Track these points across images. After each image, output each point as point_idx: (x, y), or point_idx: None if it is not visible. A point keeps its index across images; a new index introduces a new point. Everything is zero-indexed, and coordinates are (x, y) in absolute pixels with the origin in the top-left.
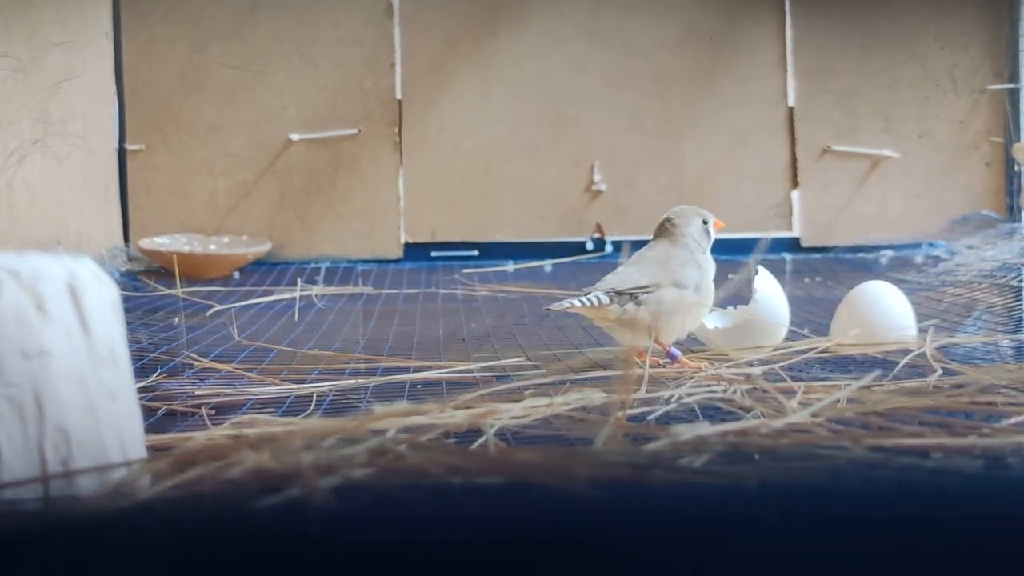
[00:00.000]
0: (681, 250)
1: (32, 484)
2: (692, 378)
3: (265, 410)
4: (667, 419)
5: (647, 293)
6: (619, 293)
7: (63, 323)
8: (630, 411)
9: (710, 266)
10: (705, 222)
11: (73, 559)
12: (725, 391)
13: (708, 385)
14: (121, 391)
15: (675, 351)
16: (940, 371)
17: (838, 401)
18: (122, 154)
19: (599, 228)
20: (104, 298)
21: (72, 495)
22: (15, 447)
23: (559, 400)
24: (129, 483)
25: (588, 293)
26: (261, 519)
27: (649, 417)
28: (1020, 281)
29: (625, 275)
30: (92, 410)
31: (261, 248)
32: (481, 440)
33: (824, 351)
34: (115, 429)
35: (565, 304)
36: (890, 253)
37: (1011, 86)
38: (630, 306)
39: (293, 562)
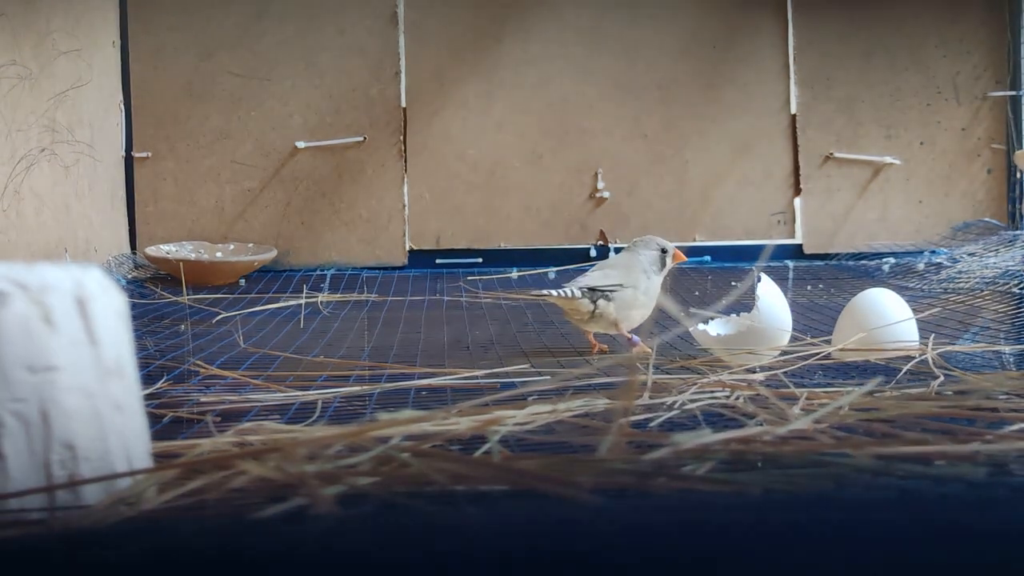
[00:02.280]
0: (635, 259)
1: (37, 495)
2: (695, 385)
3: (270, 417)
4: (670, 426)
5: (615, 291)
6: (592, 290)
7: (70, 336)
8: (633, 418)
9: (656, 280)
10: (664, 251)
11: (78, 570)
12: (728, 397)
13: (711, 391)
14: (128, 402)
15: (636, 338)
16: (942, 378)
17: (841, 408)
18: (129, 162)
19: (602, 235)
20: (111, 308)
21: (77, 506)
22: (21, 462)
23: (563, 407)
24: (134, 493)
25: (564, 288)
26: (266, 529)
27: (652, 424)
28: (1022, 288)
29: (597, 276)
30: (98, 423)
31: (267, 255)
32: (485, 447)
33: (826, 357)
34: (121, 441)
35: (544, 292)
36: (892, 260)
37: (1013, 93)
38: (601, 301)
39: (298, 572)
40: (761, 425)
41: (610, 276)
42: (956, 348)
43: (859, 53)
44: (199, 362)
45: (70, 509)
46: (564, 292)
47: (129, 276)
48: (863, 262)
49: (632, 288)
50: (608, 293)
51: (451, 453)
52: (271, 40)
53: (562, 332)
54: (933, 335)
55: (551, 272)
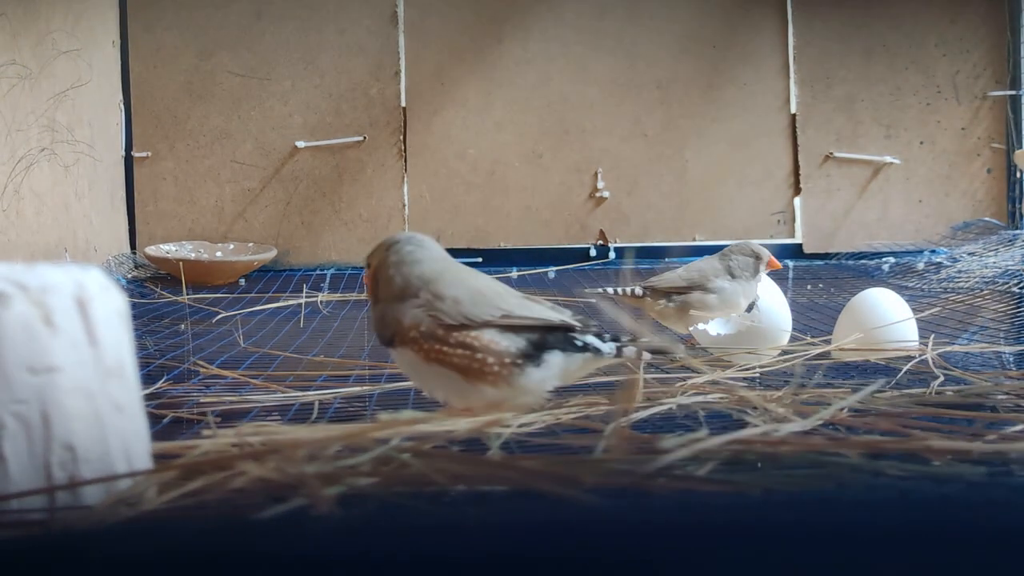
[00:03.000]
0: (716, 264)
1: (38, 496)
2: (694, 385)
3: (270, 417)
4: (670, 427)
5: (680, 294)
6: (654, 289)
7: (71, 336)
8: (633, 419)
9: (746, 287)
10: (758, 257)
11: (78, 571)
12: (727, 398)
13: (711, 392)
14: (128, 403)
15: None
16: (942, 378)
17: (841, 409)
18: (129, 161)
19: (602, 235)
20: (111, 309)
21: (78, 506)
22: (22, 463)
23: (563, 408)
24: (135, 494)
25: (630, 287)
26: (266, 529)
27: (652, 425)
28: (1022, 288)
29: (667, 276)
30: (99, 423)
31: (267, 255)
32: (485, 449)
33: (825, 355)
34: (121, 441)
35: (599, 290)
36: (892, 260)
37: (1012, 92)
38: (662, 301)
39: (298, 572)
40: (760, 425)
41: (677, 277)
42: (956, 348)
43: (859, 52)
44: (199, 362)
45: (70, 510)
46: (624, 291)
47: (129, 276)
48: (863, 262)
49: (701, 291)
50: (674, 295)
51: (451, 453)
52: (271, 40)
53: None
54: (933, 335)
55: (551, 272)
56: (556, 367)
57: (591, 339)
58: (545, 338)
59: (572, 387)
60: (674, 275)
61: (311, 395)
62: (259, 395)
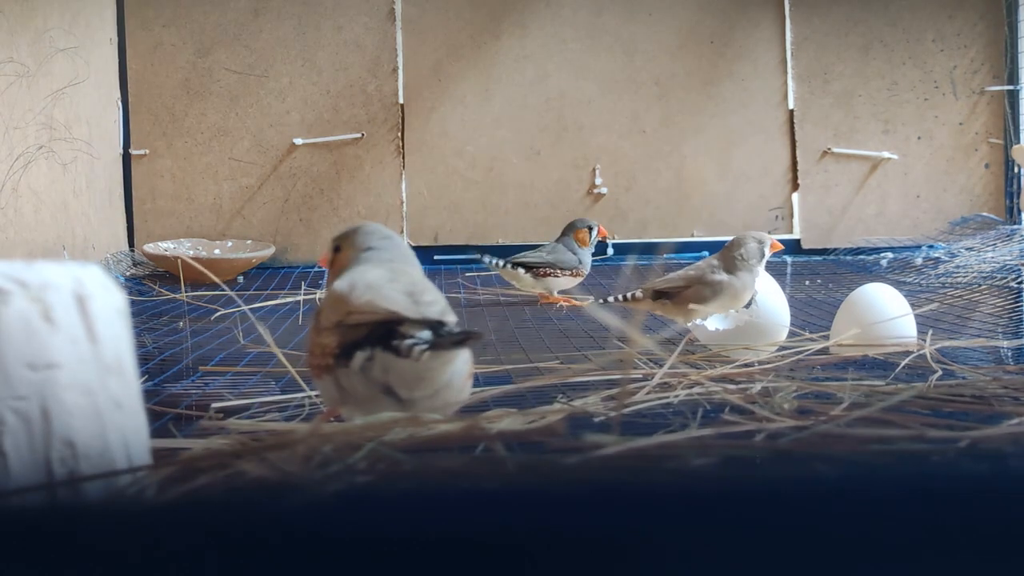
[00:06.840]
0: (718, 261)
1: (38, 492)
2: (693, 381)
3: (269, 414)
4: (667, 421)
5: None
6: (654, 290)
7: (70, 333)
8: (630, 412)
9: (745, 279)
10: (760, 243)
11: (77, 568)
12: (725, 393)
13: (709, 387)
14: (127, 399)
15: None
16: (940, 372)
17: (838, 402)
18: (127, 159)
19: (600, 231)
20: (111, 306)
21: (77, 502)
22: (22, 458)
23: (560, 403)
24: (134, 490)
25: (629, 292)
26: (263, 525)
27: (649, 419)
28: (1019, 283)
29: (667, 277)
30: (98, 419)
31: (265, 252)
32: (481, 445)
33: (823, 351)
34: (121, 437)
35: (610, 299)
36: (890, 255)
37: (1010, 87)
38: (662, 300)
39: (295, 569)
40: (758, 420)
41: (675, 278)
42: (954, 343)
43: (856, 48)
44: (198, 359)
45: (70, 506)
46: (626, 296)
47: (127, 273)
48: (861, 257)
49: (699, 285)
50: (669, 292)
51: (447, 450)
52: (268, 37)
53: (560, 328)
54: (931, 330)
55: None
56: (356, 366)
57: (410, 340)
58: (371, 333)
59: (569, 382)
60: (673, 275)
61: (309, 392)
62: (258, 392)
